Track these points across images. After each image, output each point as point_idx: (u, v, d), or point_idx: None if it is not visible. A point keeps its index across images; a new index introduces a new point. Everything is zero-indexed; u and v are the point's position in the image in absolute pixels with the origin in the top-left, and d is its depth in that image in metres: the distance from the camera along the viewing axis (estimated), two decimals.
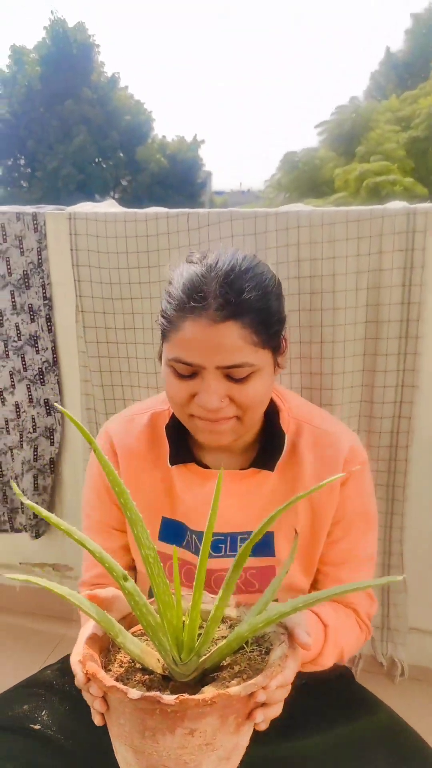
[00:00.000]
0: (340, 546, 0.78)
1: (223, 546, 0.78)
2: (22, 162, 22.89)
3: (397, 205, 1.08)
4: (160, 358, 0.72)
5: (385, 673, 1.27)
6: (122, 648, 0.52)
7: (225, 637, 0.55)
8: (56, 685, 0.84)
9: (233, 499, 0.77)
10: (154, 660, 0.54)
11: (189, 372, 0.67)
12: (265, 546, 0.78)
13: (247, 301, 0.64)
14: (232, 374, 0.66)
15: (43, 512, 0.51)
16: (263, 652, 0.55)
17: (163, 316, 0.69)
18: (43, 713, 0.81)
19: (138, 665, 0.54)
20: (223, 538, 0.77)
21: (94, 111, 22.05)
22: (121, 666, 0.54)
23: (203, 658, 0.52)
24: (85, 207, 1.23)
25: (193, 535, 0.78)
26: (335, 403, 1.14)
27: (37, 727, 0.78)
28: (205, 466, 0.78)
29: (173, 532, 0.80)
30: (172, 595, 0.53)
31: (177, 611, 0.52)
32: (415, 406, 1.11)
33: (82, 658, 0.52)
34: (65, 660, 0.83)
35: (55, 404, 0.65)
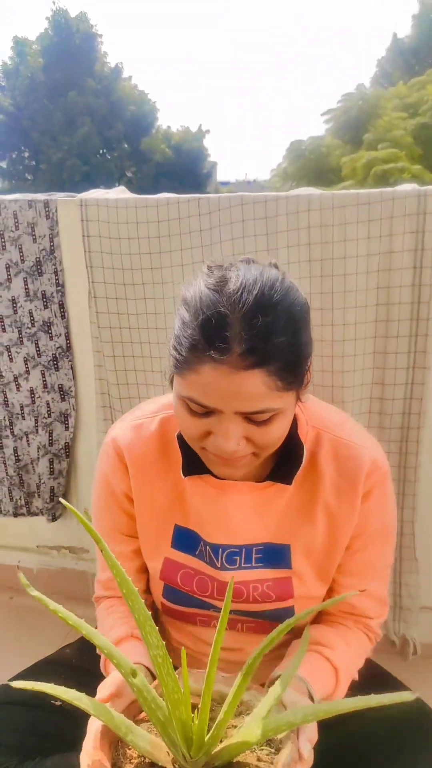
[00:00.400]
0: (359, 557, 0.77)
1: (238, 558, 0.76)
2: (27, 154, 22.83)
3: (407, 187, 1.08)
4: (171, 381, 0.67)
5: (397, 651, 1.29)
6: (132, 746, 0.53)
7: (235, 726, 0.55)
8: (75, 663, 0.87)
9: (248, 511, 0.75)
10: (164, 754, 0.54)
11: (204, 411, 0.62)
12: (281, 558, 0.76)
13: (275, 346, 0.57)
14: (252, 418, 0.61)
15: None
16: (273, 751, 0.55)
17: (175, 349, 0.61)
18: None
19: (148, 760, 0.54)
20: (237, 550, 0.76)
21: (98, 102, 21.91)
22: (131, 762, 0.54)
23: (214, 751, 0.52)
24: (96, 193, 1.24)
25: (207, 547, 0.76)
26: (347, 385, 1.15)
27: (58, 703, 0.78)
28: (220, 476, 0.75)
29: (186, 540, 0.78)
30: (181, 690, 0.52)
31: (186, 708, 0.52)
32: (427, 387, 1.12)
33: (91, 764, 0.53)
34: (83, 639, 0.84)
35: (61, 500, 0.61)
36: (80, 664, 0.83)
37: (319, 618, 0.82)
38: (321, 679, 0.69)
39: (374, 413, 1.18)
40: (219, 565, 0.76)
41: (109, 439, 0.80)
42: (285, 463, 0.74)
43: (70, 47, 22.02)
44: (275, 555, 0.76)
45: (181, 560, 0.78)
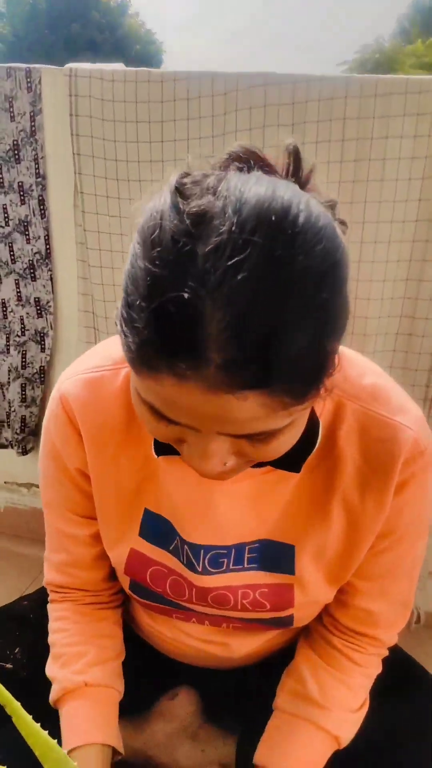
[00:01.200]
0: (383, 559, 0.59)
1: (225, 560, 0.58)
2: None
3: None
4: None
5: None
6: None
7: None
8: (33, 618, 0.72)
9: (242, 504, 0.56)
10: None
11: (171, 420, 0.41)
12: (282, 561, 0.58)
13: (285, 357, 0.34)
14: (249, 439, 0.41)
15: None
16: None
17: (121, 324, 0.38)
18: (16, 650, 0.69)
19: None
20: (225, 551, 0.58)
21: (102, 37, 20.77)
22: None
23: None
24: (88, 65, 1.03)
25: (185, 546, 0.59)
26: (371, 316, 0.98)
27: (9, 666, 0.68)
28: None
29: (158, 530, 0.60)
30: None
31: None
32: None
33: None
34: (44, 590, 0.69)
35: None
36: (39, 619, 0.69)
37: (315, 626, 0.67)
38: (315, 753, 0.59)
39: (399, 351, 1.02)
40: (200, 569, 0.59)
41: (58, 399, 0.58)
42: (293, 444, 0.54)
43: None
44: (274, 556, 0.58)
45: (150, 554, 0.61)
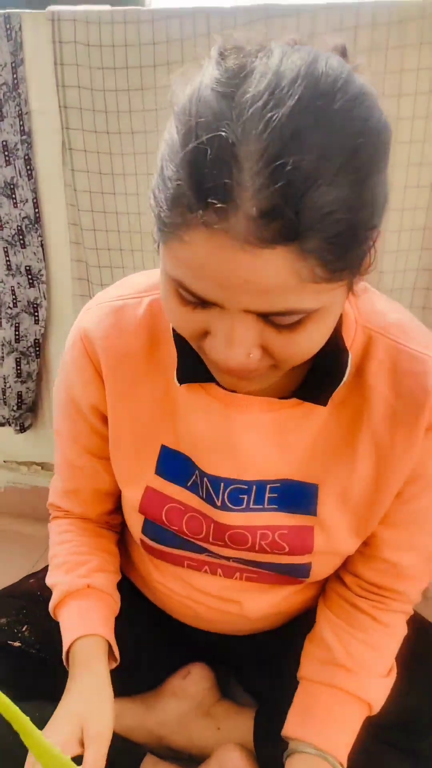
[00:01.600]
0: (410, 507, 0.57)
1: (246, 497, 0.57)
2: None
3: None
4: (158, 249, 0.43)
5: None
6: None
7: None
8: (41, 596, 0.71)
9: (265, 437, 0.55)
10: None
11: (199, 301, 0.40)
12: (304, 501, 0.57)
13: (319, 208, 0.33)
14: (272, 320, 0.39)
15: None
16: None
17: (155, 196, 0.39)
18: (23, 628, 0.70)
19: None
20: (246, 487, 0.57)
21: None
22: None
23: None
24: (72, 7, 0.94)
25: (205, 479, 0.58)
26: (388, 250, 0.92)
27: (17, 644, 0.68)
28: (226, 387, 0.53)
29: (176, 467, 0.59)
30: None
31: None
32: None
33: None
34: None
35: None
36: (47, 597, 0.68)
37: (335, 587, 0.65)
38: (347, 739, 0.58)
39: (419, 289, 0.95)
40: (219, 504, 0.58)
41: (77, 330, 0.58)
42: (320, 375, 0.52)
43: None
44: (296, 496, 0.57)
45: (167, 491, 0.60)
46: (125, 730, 0.74)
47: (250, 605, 0.66)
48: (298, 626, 0.69)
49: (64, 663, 0.61)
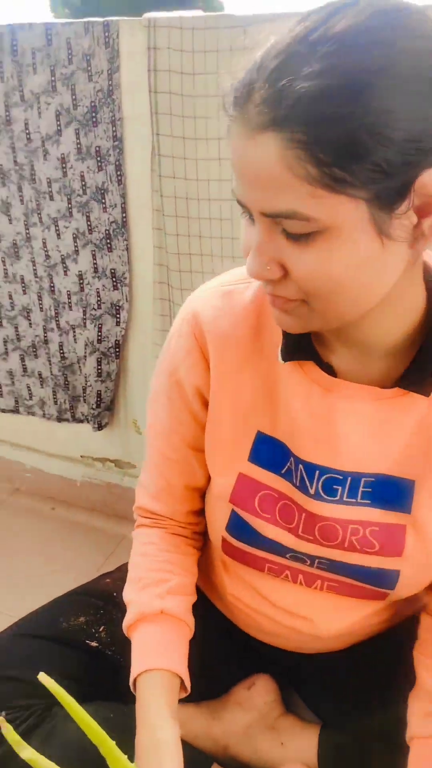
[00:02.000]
0: None
1: (340, 489, 0.56)
2: None
3: None
4: None
5: None
6: None
7: None
8: (117, 597, 0.72)
9: (364, 427, 0.54)
10: None
11: (246, 213, 0.45)
12: (398, 497, 0.55)
13: (297, 95, 0.36)
14: (286, 228, 0.41)
15: None
16: None
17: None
18: (101, 629, 0.72)
19: None
20: (341, 477, 0.56)
21: None
22: None
23: None
24: (167, 13, 0.95)
25: (300, 465, 0.57)
26: None
27: (94, 644, 0.70)
28: (330, 369, 0.54)
29: (271, 453, 0.59)
30: None
31: None
32: None
33: None
34: (125, 567, 0.70)
35: None
36: (123, 598, 0.68)
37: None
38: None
39: None
40: (312, 492, 0.57)
41: (187, 312, 0.60)
42: (423, 362, 0.50)
43: None
44: (390, 492, 0.55)
45: (261, 479, 0.59)
46: (191, 736, 0.74)
47: (323, 622, 0.64)
48: (369, 651, 0.67)
49: (131, 689, 0.60)
